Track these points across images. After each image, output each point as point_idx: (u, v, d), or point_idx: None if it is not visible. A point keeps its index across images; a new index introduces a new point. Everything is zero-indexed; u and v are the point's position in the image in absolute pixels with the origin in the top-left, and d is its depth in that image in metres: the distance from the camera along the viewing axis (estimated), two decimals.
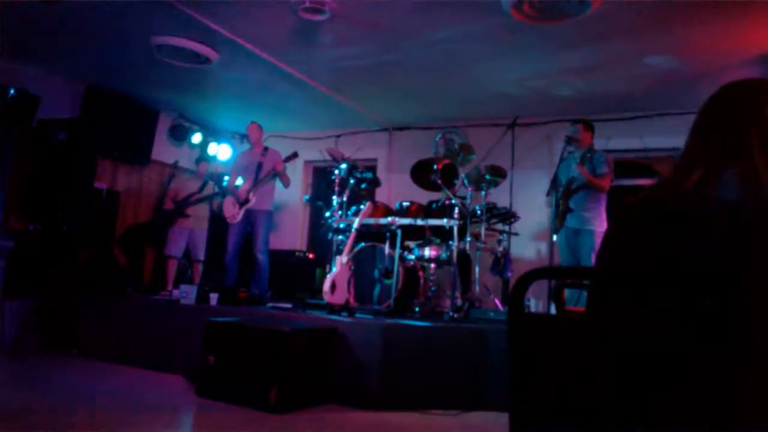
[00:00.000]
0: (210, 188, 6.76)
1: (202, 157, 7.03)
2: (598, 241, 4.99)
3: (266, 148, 6.35)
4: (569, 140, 5.23)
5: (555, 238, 5.36)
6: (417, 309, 5.06)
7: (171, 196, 6.59)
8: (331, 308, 4.80)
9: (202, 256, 6.63)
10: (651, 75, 5.37)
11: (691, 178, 1.14)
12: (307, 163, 8.26)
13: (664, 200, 1.14)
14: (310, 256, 7.30)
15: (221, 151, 8.08)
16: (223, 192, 6.56)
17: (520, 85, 5.91)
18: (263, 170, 6.16)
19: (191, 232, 6.54)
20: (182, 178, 6.77)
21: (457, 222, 5.08)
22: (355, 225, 5.18)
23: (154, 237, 6.77)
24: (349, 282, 4.95)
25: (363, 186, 5.98)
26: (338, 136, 7.95)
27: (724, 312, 1.02)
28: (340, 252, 5.21)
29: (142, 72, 6.18)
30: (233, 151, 8.14)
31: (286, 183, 6.30)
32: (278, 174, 6.15)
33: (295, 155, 6.15)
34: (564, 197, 5.28)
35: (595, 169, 5.20)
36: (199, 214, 6.61)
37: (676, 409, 1.03)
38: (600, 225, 5.12)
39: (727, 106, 1.25)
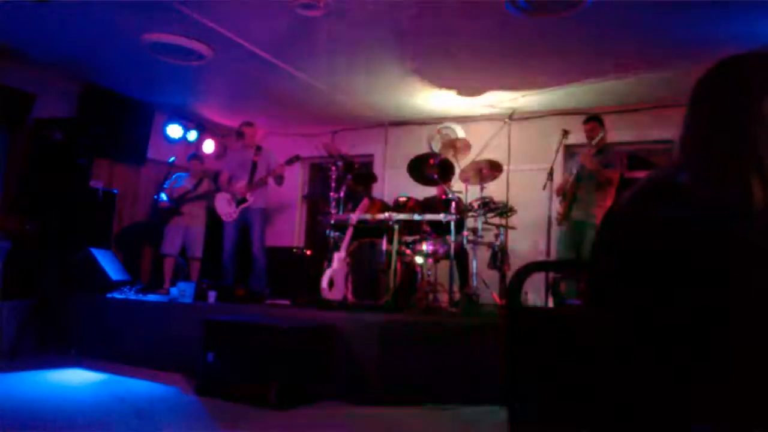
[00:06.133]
0: (205, 185, 6.75)
1: (195, 155, 7.00)
2: None
3: (260, 148, 6.34)
4: (566, 134, 5.26)
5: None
6: (415, 304, 5.06)
7: (167, 194, 6.59)
8: (329, 305, 4.80)
9: (198, 253, 6.62)
10: (649, 67, 5.37)
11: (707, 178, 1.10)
12: (303, 159, 8.24)
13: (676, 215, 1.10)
14: (308, 252, 7.30)
15: (216, 149, 8.06)
16: (216, 189, 6.56)
17: (516, 79, 5.91)
18: (258, 170, 6.15)
19: (187, 230, 6.53)
20: (177, 176, 6.76)
21: (454, 216, 5.08)
22: (353, 221, 5.18)
23: (151, 235, 6.76)
24: (346, 278, 4.95)
25: (359, 182, 5.97)
26: (334, 132, 7.93)
27: (725, 311, 1.02)
28: (337, 248, 5.21)
29: (137, 70, 6.16)
30: (227, 149, 8.12)
31: (281, 182, 6.30)
32: (277, 176, 6.14)
33: (296, 158, 6.15)
34: (572, 189, 5.31)
35: (604, 162, 5.22)
36: (195, 211, 6.60)
37: (676, 403, 1.03)
38: None
39: (732, 91, 1.15)
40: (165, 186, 6.68)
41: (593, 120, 5.38)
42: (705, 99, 1.20)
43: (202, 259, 6.72)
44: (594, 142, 5.28)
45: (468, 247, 5.47)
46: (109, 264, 5.83)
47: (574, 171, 5.35)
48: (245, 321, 4.13)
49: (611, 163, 5.19)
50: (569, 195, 5.32)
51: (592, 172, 5.18)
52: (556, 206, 5.55)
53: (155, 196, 6.70)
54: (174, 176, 6.77)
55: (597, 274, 1.22)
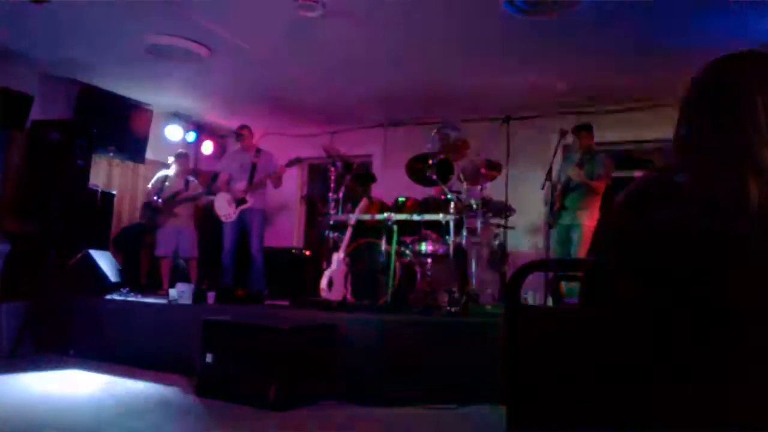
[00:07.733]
0: (194, 186, 6.74)
1: (181, 153, 6.97)
2: (587, 234, 5.13)
3: (259, 150, 6.35)
4: (564, 134, 5.30)
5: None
6: (414, 304, 5.06)
7: (151, 194, 6.60)
8: (329, 305, 4.79)
9: (188, 253, 6.63)
10: (644, 67, 5.38)
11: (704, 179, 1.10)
12: (303, 160, 8.24)
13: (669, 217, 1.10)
14: (307, 253, 7.30)
15: (214, 150, 8.06)
16: (210, 191, 6.56)
17: (514, 80, 5.91)
18: (258, 172, 6.16)
19: (179, 231, 6.53)
20: (169, 176, 6.74)
21: (453, 217, 5.08)
22: (352, 221, 5.17)
23: (147, 237, 6.76)
24: (346, 278, 4.94)
25: (358, 182, 5.98)
26: (333, 132, 7.93)
27: (724, 310, 1.02)
28: (336, 248, 5.21)
29: (135, 71, 6.16)
30: (225, 150, 8.11)
31: (279, 184, 6.30)
32: (276, 178, 6.14)
33: (297, 161, 6.16)
34: (560, 195, 5.35)
35: (593, 171, 5.28)
36: (185, 212, 6.61)
37: (676, 402, 1.03)
38: (590, 220, 5.23)
39: (727, 89, 1.16)
40: (149, 186, 6.70)
41: (581, 129, 5.45)
42: (700, 99, 1.20)
43: (199, 260, 6.72)
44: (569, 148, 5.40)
45: (467, 247, 5.48)
46: (107, 266, 5.83)
47: (562, 180, 5.41)
48: (244, 321, 4.12)
49: (598, 173, 5.27)
50: (558, 203, 5.38)
51: (579, 183, 5.26)
52: None
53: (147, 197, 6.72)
54: (156, 176, 6.76)
55: (595, 274, 1.23)
